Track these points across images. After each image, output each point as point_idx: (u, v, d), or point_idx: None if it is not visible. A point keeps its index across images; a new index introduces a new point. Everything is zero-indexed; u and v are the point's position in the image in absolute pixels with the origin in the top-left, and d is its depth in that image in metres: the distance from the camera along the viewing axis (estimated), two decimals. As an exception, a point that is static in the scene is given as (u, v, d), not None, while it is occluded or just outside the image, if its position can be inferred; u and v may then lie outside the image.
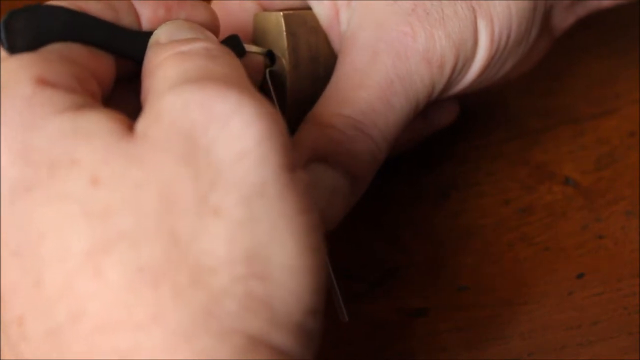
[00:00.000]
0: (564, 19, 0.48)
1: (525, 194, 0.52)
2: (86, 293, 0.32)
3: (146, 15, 0.39)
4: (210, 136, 0.33)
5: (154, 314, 0.31)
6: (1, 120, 0.33)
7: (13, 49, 0.35)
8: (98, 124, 0.33)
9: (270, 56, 0.45)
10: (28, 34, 0.35)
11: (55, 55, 0.35)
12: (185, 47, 0.36)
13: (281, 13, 0.44)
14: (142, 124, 0.33)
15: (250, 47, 0.44)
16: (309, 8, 0.46)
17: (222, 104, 0.33)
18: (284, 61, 0.44)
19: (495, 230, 0.50)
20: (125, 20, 0.38)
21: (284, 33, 0.44)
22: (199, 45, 0.36)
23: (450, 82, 0.45)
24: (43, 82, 0.34)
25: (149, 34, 0.38)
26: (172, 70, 0.35)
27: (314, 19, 0.46)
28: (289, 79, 0.44)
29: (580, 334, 0.46)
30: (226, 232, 0.32)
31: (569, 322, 0.47)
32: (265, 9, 0.47)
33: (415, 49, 0.43)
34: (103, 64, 0.37)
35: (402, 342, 0.46)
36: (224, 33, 0.42)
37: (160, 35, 0.38)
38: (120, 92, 0.38)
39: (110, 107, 0.35)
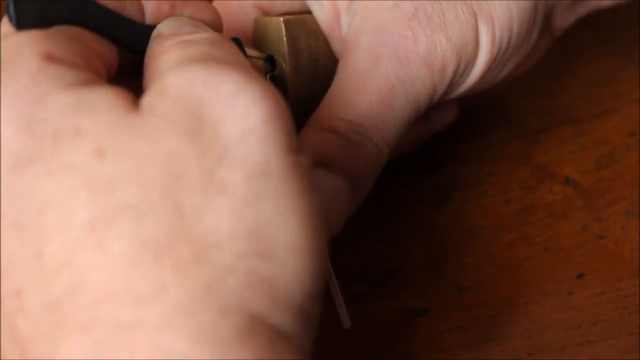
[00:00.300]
0: (564, 19, 0.48)
1: (526, 194, 0.52)
2: (88, 265, 0.31)
3: (150, 9, 0.39)
4: (216, 113, 0.33)
5: (156, 287, 0.31)
6: (6, 93, 0.33)
7: (20, 25, 0.35)
8: (103, 98, 0.33)
9: (271, 61, 0.45)
10: (36, 13, 0.35)
11: (62, 34, 0.35)
12: (188, 37, 0.37)
13: (281, 18, 0.44)
14: (147, 99, 0.33)
15: (251, 52, 0.44)
16: (309, 12, 0.46)
17: (227, 83, 0.33)
18: (284, 66, 0.44)
19: (496, 231, 0.50)
20: (130, 12, 0.38)
21: (285, 38, 0.44)
22: (202, 35, 0.37)
23: (452, 85, 0.45)
24: (49, 57, 0.34)
25: (151, 27, 0.39)
26: (176, 54, 0.35)
27: (314, 22, 0.45)
28: (290, 83, 0.44)
29: (580, 334, 0.46)
30: (231, 208, 0.32)
31: (569, 322, 0.47)
32: (265, 13, 0.47)
33: (416, 53, 0.43)
34: (107, 50, 0.37)
35: (403, 342, 0.46)
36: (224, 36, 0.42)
37: (164, 29, 0.38)
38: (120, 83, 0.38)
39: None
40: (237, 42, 0.41)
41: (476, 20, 0.44)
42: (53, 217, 0.32)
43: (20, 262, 0.32)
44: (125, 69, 0.39)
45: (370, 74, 0.43)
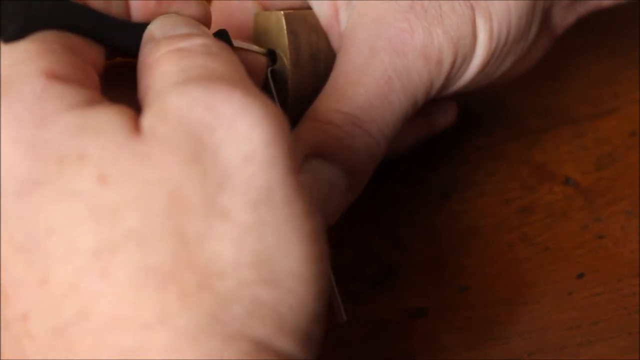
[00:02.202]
0: (564, 18, 0.48)
1: (526, 194, 0.52)
2: (93, 292, 0.31)
3: (136, 5, 0.38)
4: (217, 137, 0.32)
5: (161, 314, 0.31)
6: (11, 114, 0.33)
7: (3, 35, 0.34)
8: (107, 121, 0.33)
9: (272, 55, 0.45)
10: (18, 20, 0.34)
11: (59, 45, 0.35)
12: (182, 44, 0.36)
13: (282, 12, 0.44)
14: (148, 121, 0.33)
15: (252, 47, 0.44)
16: (309, 7, 0.46)
17: (227, 105, 0.33)
18: (285, 60, 0.44)
19: (496, 231, 0.50)
20: (115, 9, 0.38)
21: (285, 32, 0.44)
22: (196, 42, 0.36)
23: (449, 79, 0.45)
24: (53, 76, 0.33)
25: (139, 25, 0.38)
26: (171, 67, 0.35)
27: (314, 18, 0.46)
28: (291, 78, 0.44)
29: (580, 334, 0.46)
30: (234, 235, 0.32)
31: (569, 322, 0.47)
32: (266, 9, 0.47)
33: (413, 45, 0.43)
34: (95, 52, 0.37)
35: (402, 342, 0.46)
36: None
37: (155, 30, 0.38)
38: (108, 76, 0.38)
39: (105, 94, 0.35)
40: (224, 34, 0.41)
41: (473, 14, 0.44)
42: (58, 243, 0.32)
43: (27, 286, 0.32)
44: (113, 68, 0.39)
45: (367, 67, 0.43)
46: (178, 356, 0.31)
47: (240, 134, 0.33)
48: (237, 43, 0.42)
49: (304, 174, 0.34)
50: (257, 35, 0.46)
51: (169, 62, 0.35)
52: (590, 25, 0.55)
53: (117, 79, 0.38)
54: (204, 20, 0.39)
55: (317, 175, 0.41)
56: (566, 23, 0.49)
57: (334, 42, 0.46)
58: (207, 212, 0.32)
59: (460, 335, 0.46)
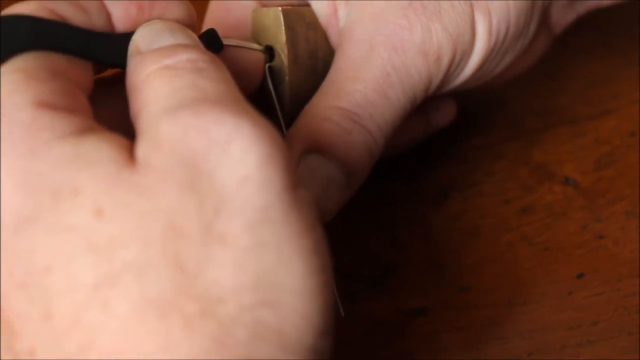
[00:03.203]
0: (563, 16, 0.48)
1: (525, 194, 0.51)
2: (95, 325, 0.31)
3: (117, 14, 0.37)
4: (212, 162, 0.32)
5: (164, 344, 0.31)
6: (2, 146, 0.32)
7: None
8: (99, 151, 0.33)
9: (270, 52, 0.45)
10: (4, 44, 0.34)
11: (44, 70, 0.34)
12: (169, 61, 0.35)
13: (280, 8, 0.44)
14: (142, 150, 0.33)
15: (249, 44, 0.44)
16: (307, 4, 0.46)
17: (219, 129, 0.32)
18: (283, 56, 0.44)
19: (495, 230, 0.50)
20: (97, 22, 0.37)
21: (283, 28, 0.44)
22: (183, 57, 0.36)
23: (448, 75, 0.45)
24: (42, 105, 0.33)
25: (123, 36, 0.37)
26: (161, 89, 0.34)
27: (312, 15, 0.46)
28: (289, 74, 0.44)
29: (580, 334, 0.46)
30: (233, 260, 0.32)
31: (569, 322, 0.47)
32: (264, 5, 0.47)
33: (411, 41, 0.43)
34: (82, 71, 0.36)
35: (402, 341, 0.46)
36: (224, 30, 0.42)
37: (139, 41, 0.37)
38: (98, 92, 0.38)
39: (96, 110, 0.35)
40: (212, 33, 0.41)
41: (472, 10, 0.44)
42: (58, 278, 0.32)
43: (31, 321, 0.32)
44: (103, 82, 0.38)
45: (365, 63, 0.43)
46: None
47: (234, 157, 0.32)
48: (228, 41, 0.42)
49: (300, 189, 0.34)
50: (255, 31, 0.46)
51: (158, 84, 0.35)
52: (590, 25, 0.55)
53: (108, 92, 0.38)
54: (189, 22, 0.39)
55: (315, 171, 0.41)
56: (565, 22, 0.49)
57: (333, 39, 0.46)
58: (205, 238, 0.32)
59: (460, 335, 0.46)
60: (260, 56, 0.44)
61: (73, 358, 0.31)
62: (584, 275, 0.48)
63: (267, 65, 0.44)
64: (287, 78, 0.44)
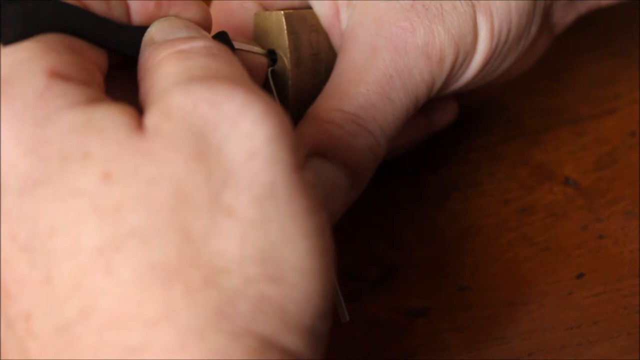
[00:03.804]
0: (564, 15, 0.48)
1: (526, 194, 0.52)
2: (97, 290, 0.31)
3: (135, 8, 0.38)
4: (221, 135, 0.32)
5: (166, 311, 0.31)
6: (13, 112, 0.32)
7: (2, 39, 0.34)
8: (110, 119, 0.33)
9: (272, 56, 0.45)
10: (18, 23, 0.34)
11: (62, 46, 0.35)
12: (184, 46, 0.36)
13: (282, 12, 0.44)
14: (151, 119, 0.33)
15: (252, 48, 0.44)
16: (309, 7, 0.46)
17: (230, 102, 0.33)
18: (285, 60, 0.44)
19: (496, 230, 0.50)
20: (116, 12, 0.37)
21: (285, 32, 0.44)
22: (198, 44, 0.36)
23: (451, 77, 0.45)
24: (56, 74, 0.33)
25: (139, 28, 0.38)
26: (174, 68, 0.35)
27: (315, 17, 0.46)
28: (292, 78, 0.44)
29: (580, 334, 0.46)
30: (239, 232, 0.32)
31: (569, 322, 0.47)
32: (266, 9, 0.47)
33: (414, 43, 0.43)
34: (99, 54, 0.37)
35: (402, 341, 0.46)
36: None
37: (155, 33, 0.38)
38: (110, 81, 0.38)
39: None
40: (224, 35, 0.41)
41: (474, 12, 0.44)
42: (62, 242, 0.32)
43: (30, 285, 0.32)
44: (113, 70, 0.38)
45: (368, 65, 0.43)
46: (183, 354, 0.31)
47: (244, 130, 0.33)
48: (237, 44, 0.42)
49: (307, 171, 0.34)
50: (257, 35, 0.46)
51: (171, 64, 0.35)
52: (590, 25, 0.55)
53: (119, 81, 0.38)
54: (204, 23, 0.39)
55: (319, 174, 0.41)
56: (566, 21, 0.49)
57: (335, 42, 0.46)
58: (212, 208, 0.32)
59: (460, 335, 0.46)
60: (263, 60, 0.44)
61: (71, 323, 0.31)
62: (584, 275, 0.48)
63: (269, 69, 0.44)
64: (289, 82, 0.44)
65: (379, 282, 0.48)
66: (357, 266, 0.48)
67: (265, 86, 0.44)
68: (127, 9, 0.38)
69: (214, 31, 0.41)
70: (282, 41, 0.44)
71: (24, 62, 0.33)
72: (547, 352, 0.46)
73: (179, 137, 0.32)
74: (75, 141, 0.32)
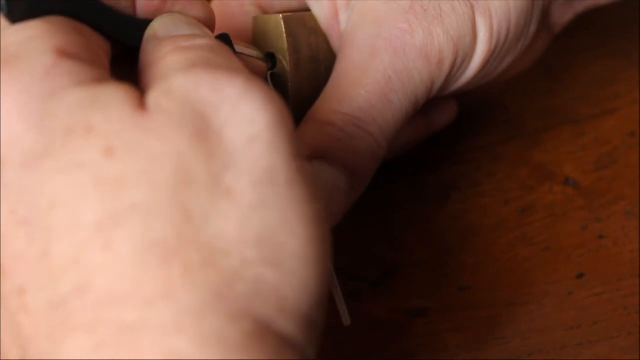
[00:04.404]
0: (562, 15, 0.48)
1: (526, 194, 0.52)
2: (94, 265, 0.31)
3: (141, 4, 0.38)
4: (222, 117, 0.33)
5: (163, 290, 0.31)
6: (19, 87, 0.32)
7: (12, 18, 0.34)
8: (114, 96, 0.33)
9: (271, 59, 0.45)
10: (27, 5, 0.34)
11: (69, 27, 0.35)
12: (186, 43, 0.36)
13: (280, 15, 0.44)
14: (154, 97, 0.33)
15: (251, 52, 0.44)
16: (307, 9, 0.46)
17: (231, 87, 0.33)
18: (285, 63, 0.44)
19: (496, 231, 0.50)
20: (123, 5, 0.38)
21: (284, 35, 0.44)
22: (200, 42, 0.36)
23: (450, 78, 0.45)
24: (63, 53, 0.33)
25: (144, 21, 0.38)
26: (177, 58, 0.35)
27: (313, 20, 0.46)
28: (291, 81, 0.44)
29: (580, 334, 0.46)
30: (238, 214, 0.32)
31: (569, 322, 0.47)
32: (264, 12, 0.47)
33: (413, 45, 0.43)
34: (105, 43, 0.37)
35: (402, 341, 0.46)
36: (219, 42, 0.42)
37: (158, 28, 0.38)
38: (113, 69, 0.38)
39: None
40: (226, 38, 0.41)
41: (473, 13, 0.44)
42: (61, 216, 0.32)
43: (26, 260, 0.32)
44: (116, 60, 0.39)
45: (367, 67, 0.43)
46: (179, 333, 0.31)
47: (244, 115, 0.33)
48: (238, 48, 0.42)
49: (305, 162, 0.34)
50: (256, 38, 0.46)
51: (174, 57, 0.35)
52: (590, 25, 0.55)
53: (120, 71, 0.38)
54: (208, 23, 0.39)
55: (319, 176, 0.41)
56: (564, 21, 0.49)
57: (334, 44, 0.46)
58: (213, 189, 0.32)
59: (460, 335, 0.46)
60: (262, 63, 0.44)
61: (66, 299, 0.31)
62: (584, 275, 0.48)
63: (269, 72, 0.44)
64: (289, 84, 0.44)
65: (379, 283, 0.48)
66: (357, 266, 0.48)
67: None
68: (133, 5, 0.38)
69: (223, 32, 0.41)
70: (281, 44, 0.44)
71: (33, 40, 0.34)
72: (547, 352, 0.46)
73: (181, 116, 0.32)
74: (79, 116, 0.32)
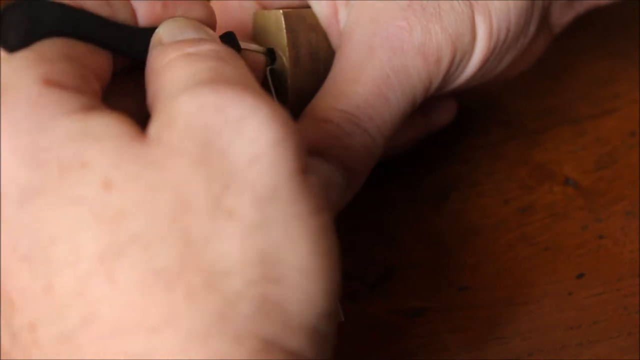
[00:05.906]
0: (562, 15, 0.48)
1: (525, 194, 0.51)
2: (98, 297, 0.31)
3: (142, 11, 0.38)
4: (225, 139, 0.32)
5: (168, 316, 0.31)
6: (7, 121, 0.32)
7: (6, 44, 0.34)
8: (107, 126, 0.33)
9: (271, 54, 0.45)
10: (22, 28, 0.34)
11: (58, 53, 0.35)
12: (192, 49, 0.36)
13: (281, 11, 0.44)
14: (155, 128, 0.33)
15: (251, 46, 0.44)
16: (308, 6, 0.46)
17: (236, 107, 0.33)
18: (284, 59, 0.44)
19: (495, 230, 0.50)
20: (121, 15, 0.37)
21: (284, 30, 0.44)
22: (206, 47, 0.36)
23: (448, 76, 0.45)
24: (49, 82, 0.33)
25: (146, 30, 0.38)
26: (182, 72, 0.35)
27: (313, 17, 0.46)
28: (290, 77, 0.44)
29: (580, 334, 0.46)
30: (240, 234, 0.32)
31: (569, 322, 0.47)
32: (265, 8, 0.47)
33: (411, 43, 0.43)
34: (101, 61, 0.37)
35: (402, 342, 0.46)
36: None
37: (163, 34, 0.38)
38: (116, 86, 0.38)
39: (111, 105, 0.35)
40: (231, 36, 0.41)
41: (472, 11, 0.44)
42: (62, 250, 0.32)
43: (32, 295, 0.32)
44: (120, 73, 0.39)
45: (365, 65, 0.43)
46: (186, 358, 0.31)
47: (248, 135, 0.33)
48: (242, 44, 0.42)
49: (310, 174, 0.34)
50: (256, 34, 0.46)
51: (179, 67, 0.35)
52: (590, 25, 0.55)
53: (123, 90, 0.38)
54: (209, 22, 0.39)
55: (315, 172, 0.41)
56: (564, 21, 0.49)
57: (333, 41, 0.46)
58: (213, 212, 0.32)
59: (460, 335, 0.46)
60: (262, 59, 0.44)
61: (73, 331, 0.31)
62: (584, 275, 0.48)
63: (268, 68, 0.44)
64: (288, 81, 0.44)
65: (377, 283, 0.48)
66: (356, 267, 0.48)
67: (263, 85, 0.44)
68: (133, 14, 0.38)
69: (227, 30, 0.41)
70: (281, 40, 0.44)
71: (18, 71, 0.33)
72: (547, 352, 0.46)
73: (180, 144, 0.32)
74: (72, 149, 0.32)
